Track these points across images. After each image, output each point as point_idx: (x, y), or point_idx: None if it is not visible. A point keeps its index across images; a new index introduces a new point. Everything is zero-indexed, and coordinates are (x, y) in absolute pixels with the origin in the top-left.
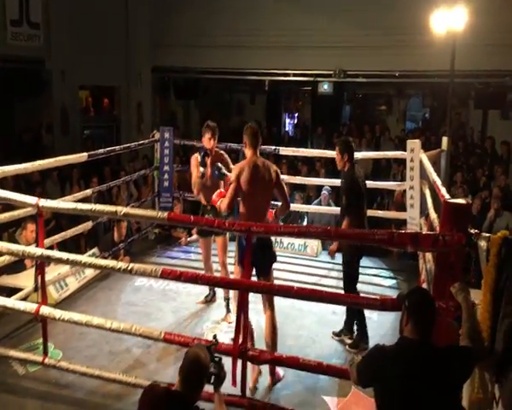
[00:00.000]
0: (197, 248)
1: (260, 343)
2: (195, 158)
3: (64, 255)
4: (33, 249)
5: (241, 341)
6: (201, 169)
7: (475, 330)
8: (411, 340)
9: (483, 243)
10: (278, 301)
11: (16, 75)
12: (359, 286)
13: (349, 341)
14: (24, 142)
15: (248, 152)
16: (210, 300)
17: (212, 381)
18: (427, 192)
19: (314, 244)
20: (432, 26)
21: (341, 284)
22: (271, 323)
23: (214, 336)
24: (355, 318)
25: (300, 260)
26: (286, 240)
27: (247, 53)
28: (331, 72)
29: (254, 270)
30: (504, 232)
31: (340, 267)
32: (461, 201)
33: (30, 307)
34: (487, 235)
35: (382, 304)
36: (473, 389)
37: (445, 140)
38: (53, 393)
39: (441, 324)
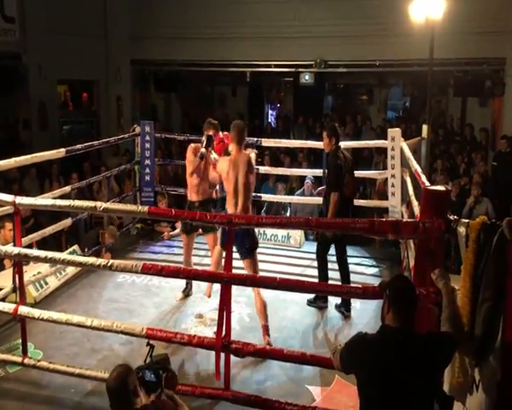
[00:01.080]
0: (180, 242)
1: (244, 336)
2: (193, 148)
3: (42, 253)
4: (10, 248)
5: (223, 334)
6: (202, 150)
7: (455, 316)
8: (392, 328)
9: (462, 229)
10: (262, 292)
11: None
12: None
13: (323, 305)
14: (0, 139)
15: (234, 148)
16: (188, 294)
17: (154, 389)
18: (408, 180)
19: (297, 235)
20: (411, 15)
21: None
22: (259, 298)
23: (148, 343)
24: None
25: (284, 251)
26: (269, 231)
27: (228, 45)
28: (312, 62)
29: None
30: (483, 218)
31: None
32: (440, 187)
33: (8, 306)
34: (466, 221)
35: (364, 292)
36: (453, 373)
37: (425, 128)
38: (34, 393)
39: (422, 310)
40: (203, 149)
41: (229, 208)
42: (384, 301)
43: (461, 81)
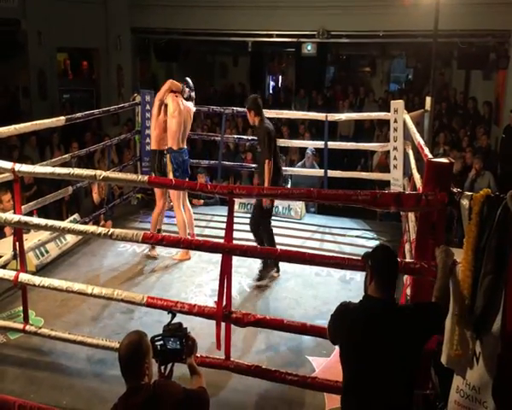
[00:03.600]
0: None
1: (245, 306)
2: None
3: (42, 221)
4: (10, 216)
5: (224, 304)
6: None
7: (446, 287)
8: (374, 298)
9: (465, 202)
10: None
11: None
12: (343, 248)
13: (276, 274)
14: (0, 106)
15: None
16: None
17: (178, 357)
18: (411, 153)
19: (298, 207)
20: None
21: (325, 245)
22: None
23: (169, 311)
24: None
25: (284, 222)
26: None
27: (229, 14)
28: (314, 32)
29: None
30: (487, 191)
31: (324, 230)
32: (443, 160)
33: (8, 274)
34: (470, 193)
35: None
36: (451, 345)
37: (428, 100)
38: (34, 360)
39: (423, 283)
40: None
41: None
42: (366, 272)
43: (465, 53)
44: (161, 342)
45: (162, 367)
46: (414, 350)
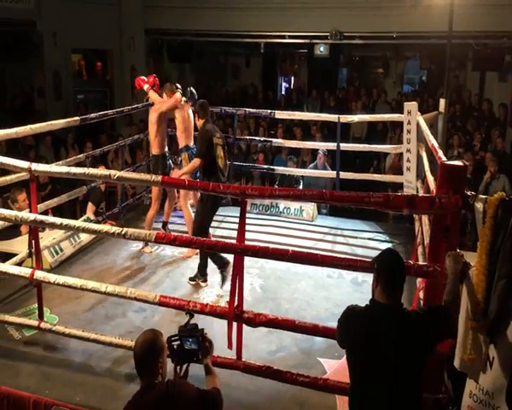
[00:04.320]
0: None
1: (256, 307)
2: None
3: (58, 220)
4: (26, 214)
5: (236, 304)
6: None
7: (455, 291)
8: (380, 304)
9: (479, 205)
10: (274, 264)
11: (6, 38)
12: (355, 250)
13: (203, 284)
14: (16, 107)
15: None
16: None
17: (195, 357)
18: (424, 155)
19: (310, 208)
20: None
21: (337, 247)
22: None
23: (187, 311)
24: (206, 262)
25: (296, 224)
26: (282, 205)
27: (242, 15)
28: (327, 33)
29: None
30: (501, 194)
31: (336, 231)
32: (457, 162)
33: (24, 271)
34: (484, 197)
35: None
36: (465, 349)
37: (442, 102)
38: (49, 357)
39: (436, 286)
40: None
41: None
42: (374, 276)
43: (480, 55)
44: (178, 342)
45: (178, 367)
46: (419, 355)
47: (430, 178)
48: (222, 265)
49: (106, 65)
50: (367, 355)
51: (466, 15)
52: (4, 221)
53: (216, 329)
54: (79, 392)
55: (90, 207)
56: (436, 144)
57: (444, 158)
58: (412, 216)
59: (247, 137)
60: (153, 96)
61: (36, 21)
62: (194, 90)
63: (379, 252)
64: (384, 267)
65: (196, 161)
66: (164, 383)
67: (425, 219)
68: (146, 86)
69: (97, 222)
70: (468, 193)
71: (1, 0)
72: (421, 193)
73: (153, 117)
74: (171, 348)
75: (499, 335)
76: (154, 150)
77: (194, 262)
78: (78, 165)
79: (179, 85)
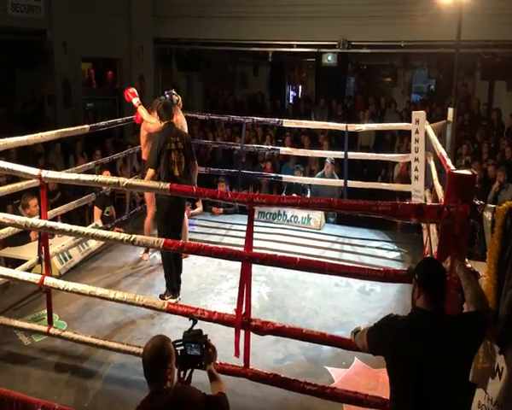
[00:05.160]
0: (201, 221)
1: (264, 315)
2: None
3: (67, 226)
4: (36, 221)
5: (243, 311)
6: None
7: (479, 294)
8: (425, 311)
9: (488, 214)
10: (282, 272)
11: (17, 47)
12: (362, 258)
13: (173, 300)
14: (26, 114)
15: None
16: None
17: (198, 363)
18: (432, 164)
19: (317, 217)
20: None
21: (344, 256)
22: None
23: (191, 317)
24: (172, 278)
25: (304, 232)
26: (289, 213)
27: (250, 24)
28: (335, 42)
29: None
30: (510, 203)
31: (344, 240)
32: (466, 172)
33: (34, 277)
34: (493, 206)
35: (385, 276)
36: (478, 358)
37: (450, 111)
38: (58, 362)
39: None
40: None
41: None
42: (414, 286)
43: (488, 64)
44: (182, 347)
45: (181, 373)
46: (467, 361)
47: (438, 187)
48: (171, 289)
49: (115, 73)
50: (420, 365)
51: (474, 24)
52: (15, 227)
53: (223, 336)
54: (87, 398)
55: (97, 211)
56: (444, 153)
57: (452, 167)
58: (420, 225)
59: (255, 146)
60: (141, 111)
61: (46, 30)
62: (173, 92)
63: (387, 261)
64: (429, 279)
65: (150, 172)
66: (171, 389)
67: (433, 228)
68: (135, 100)
69: (106, 229)
70: (477, 202)
71: (13, 10)
72: (429, 202)
73: (142, 132)
74: (175, 353)
75: (508, 345)
76: (144, 156)
77: (202, 270)
78: (86, 172)
79: (169, 95)
